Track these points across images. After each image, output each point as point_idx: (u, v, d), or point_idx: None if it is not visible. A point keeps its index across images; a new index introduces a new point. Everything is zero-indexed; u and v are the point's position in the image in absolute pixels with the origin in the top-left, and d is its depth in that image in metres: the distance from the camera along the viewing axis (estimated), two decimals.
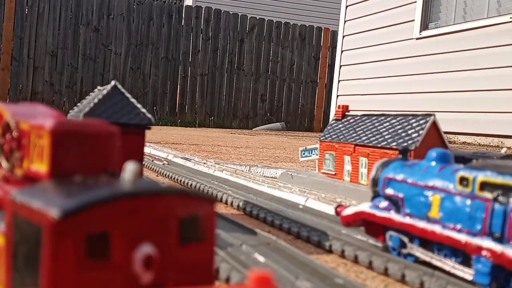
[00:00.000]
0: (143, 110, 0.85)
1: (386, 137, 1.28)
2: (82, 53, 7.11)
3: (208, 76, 7.69)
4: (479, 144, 4.27)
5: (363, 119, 1.43)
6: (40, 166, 0.41)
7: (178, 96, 7.59)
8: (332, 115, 5.74)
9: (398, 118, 1.32)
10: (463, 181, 0.64)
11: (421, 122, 1.23)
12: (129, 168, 0.37)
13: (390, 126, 1.31)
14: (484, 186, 0.61)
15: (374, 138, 1.31)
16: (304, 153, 1.60)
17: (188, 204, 0.37)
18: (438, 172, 0.68)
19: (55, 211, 0.32)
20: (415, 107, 4.76)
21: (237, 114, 7.88)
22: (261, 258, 0.72)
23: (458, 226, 0.64)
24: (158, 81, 7.45)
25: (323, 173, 1.48)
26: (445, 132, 1.25)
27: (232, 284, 0.62)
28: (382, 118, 1.37)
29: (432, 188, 0.68)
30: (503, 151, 1.07)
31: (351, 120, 1.47)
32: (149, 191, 0.35)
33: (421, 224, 0.68)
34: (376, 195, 0.78)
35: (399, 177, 0.74)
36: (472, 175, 0.63)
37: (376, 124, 1.36)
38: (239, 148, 3.21)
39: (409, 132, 1.23)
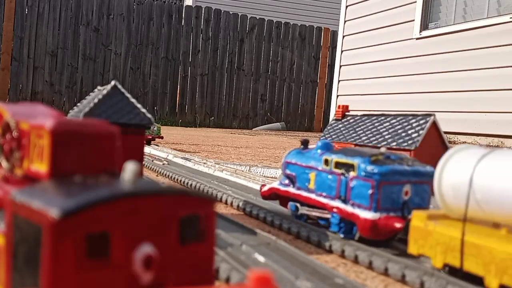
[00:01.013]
0: (143, 110, 0.85)
1: (386, 137, 1.28)
2: (82, 53, 7.10)
3: (208, 76, 7.69)
4: (479, 144, 4.27)
5: (363, 119, 1.43)
6: (40, 166, 0.41)
7: (178, 96, 7.58)
8: (332, 115, 5.74)
9: (398, 118, 1.32)
10: (326, 162, 0.91)
11: (421, 122, 1.23)
12: (129, 168, 0.37)
13: (390, 126, 1.31)
14: (337, 164, 0.88)
15: (374, 138, 1.31)
16: None
17: (188, 204, 0.37)
18: (318, 156, 0.94)
19: (55, 211, 0.32)
20: (415, 107, 4.75)
21: (237, 114, 7.88)
22: (261, 258, 0.72)
23: (324, 194, 0.91)
24: (158, 81, 7.44)
25: None
26: (445, 132, 1.25)
27: (232, 284, 0.62)
28: (382, 118, 1.37)
29: (311, 167, 0.95)
30: None
31: (351, 120, 1.47)
32: (149, 191, 0.35)
33: (305, 194, 0.96)
34: (284, 175, 1.04)
35: (293, 161, 1.01)
36: (331, 157, 0.90)
37: (376, 124, 1.36)
38: (239, 148, 3.21)
39: (409, 132, 1.23)
